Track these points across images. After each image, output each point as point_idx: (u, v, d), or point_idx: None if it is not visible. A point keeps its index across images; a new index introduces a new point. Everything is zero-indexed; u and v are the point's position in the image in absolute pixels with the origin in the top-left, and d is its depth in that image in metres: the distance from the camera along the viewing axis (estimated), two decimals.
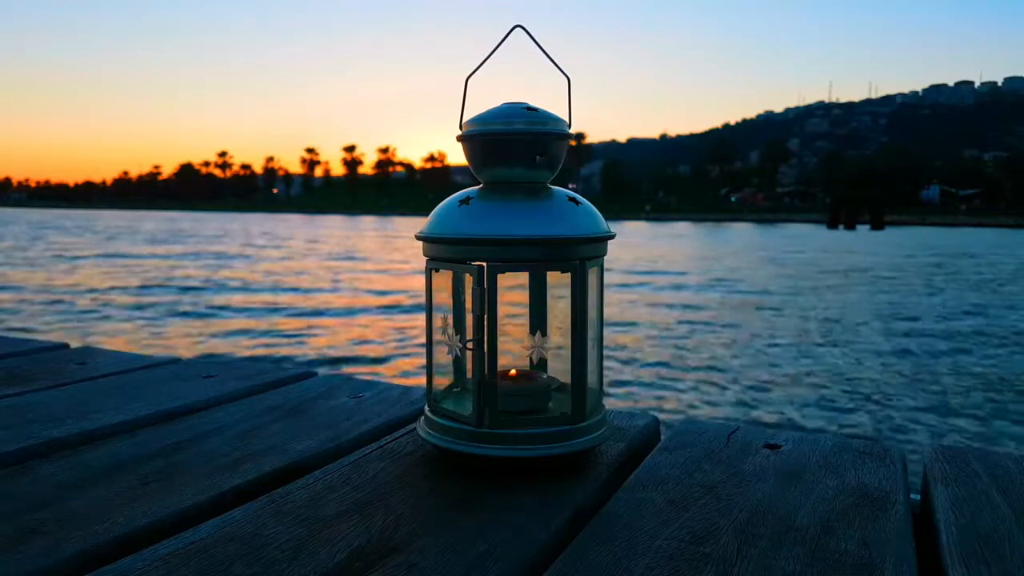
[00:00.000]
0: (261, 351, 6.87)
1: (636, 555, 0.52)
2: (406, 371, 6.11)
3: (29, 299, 10.14)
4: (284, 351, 6.89)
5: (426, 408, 0.71)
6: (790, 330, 8.32)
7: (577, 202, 0.68)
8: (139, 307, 9.62)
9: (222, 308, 9.62)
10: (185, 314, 9.13)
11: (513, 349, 0.73)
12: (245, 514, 0.58)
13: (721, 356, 6.81)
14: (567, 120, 0.70)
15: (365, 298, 10.75)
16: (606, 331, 0.78)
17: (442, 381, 0.75)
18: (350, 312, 9.41)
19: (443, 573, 0.49)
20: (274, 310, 9.51)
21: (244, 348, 7.01)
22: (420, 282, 0.79)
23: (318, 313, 9.31)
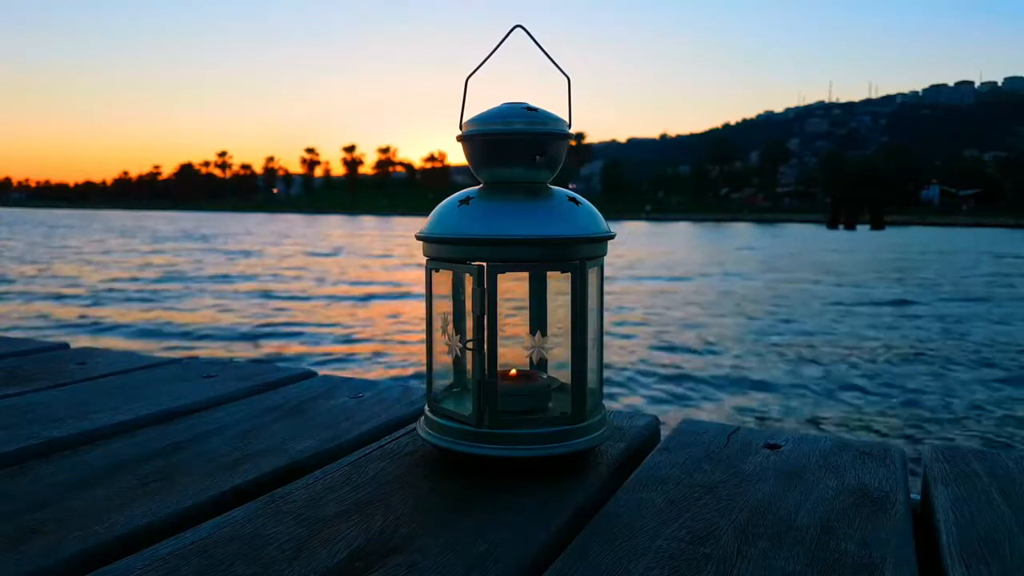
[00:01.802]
0: None
1: (636, 555, 0.52)
2: None
3: None
4: None
5: (426, 408, 0.71)
6: None
7: (577, 202, 0.68)
8: None
9: None
10: None
11: (513, 349, 0.73)
12: (245, 514, 0.58)
13: None
14: (567, 120, 0.70)
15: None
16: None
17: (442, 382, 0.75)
18: None
19: (443, 573, 0.49)
20: None
21: None
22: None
23: None
